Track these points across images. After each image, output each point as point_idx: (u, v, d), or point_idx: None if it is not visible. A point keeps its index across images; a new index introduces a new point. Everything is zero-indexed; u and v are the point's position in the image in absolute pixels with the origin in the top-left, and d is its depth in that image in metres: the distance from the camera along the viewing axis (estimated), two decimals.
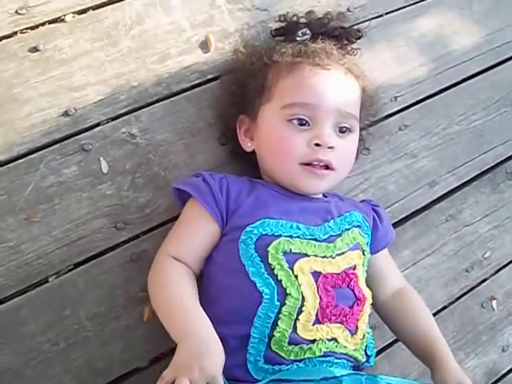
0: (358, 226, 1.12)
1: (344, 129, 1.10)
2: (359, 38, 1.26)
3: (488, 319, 1.41)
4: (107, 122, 1.16)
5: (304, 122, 1.07)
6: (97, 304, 1.09)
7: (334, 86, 1.10)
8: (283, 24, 1.24)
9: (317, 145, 1.06)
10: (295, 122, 1.07)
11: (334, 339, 1.00)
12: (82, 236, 1.10)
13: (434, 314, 1.34)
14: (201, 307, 0.99)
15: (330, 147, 1.06)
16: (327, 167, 1.08)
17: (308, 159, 1.07)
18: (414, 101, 1.43)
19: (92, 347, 1.08)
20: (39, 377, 1.04)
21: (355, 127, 1.13)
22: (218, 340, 0.92)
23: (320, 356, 0.98)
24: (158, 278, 1.05)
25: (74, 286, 1.08)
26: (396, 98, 1.41)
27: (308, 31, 1.18)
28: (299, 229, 1.04)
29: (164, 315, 1.00)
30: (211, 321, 0.96)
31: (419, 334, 1.14)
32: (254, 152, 1.16)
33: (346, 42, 1.23)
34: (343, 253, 1.06)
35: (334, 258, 1.04)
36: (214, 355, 0.89)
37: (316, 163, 1.07)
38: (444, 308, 1.37)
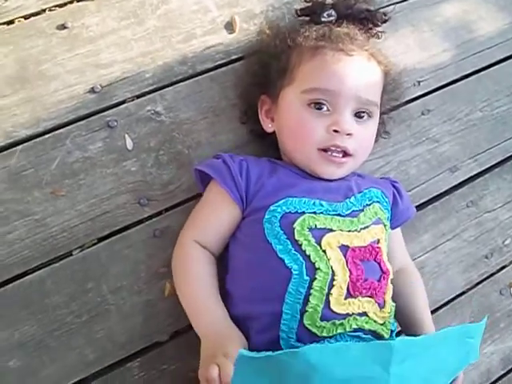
0: (378, 202, 1.12)
1: (363, 115, 1.10)
2: (385, 22, 1.24)
3: (506, 306, 1.41)
4: (132, 100, 1.18)
5: (323, 107, 1.07)
6: (119, 278, 1.11)
7: (355, 72, 1.09)
8: (309, 4, 1.24)
9: (335, 131, 1.06)
10: (315, 107, 1.07)
11: (365, 314, 1.00)
12: (106, 211, 1.12)
13: (452, 300, 1.35)
14: (220, 299, 1.03)
15: (348, 134, 1.07)
16: (345, 153, 1.08)
17: (325, 145, 1.07)
18: (437, 86, 1.43)
19: (114, 320, 1.09)
20: (62, 348, 1.06)
21: (375, 113, 1.13)
22: (237, 328, 0.98)
23: (350, 331, 0.98)
24: (182, 267, 1.07)
25: (98, 260, 1.10)
26: (419, 82, 1.41)
27: (334, 12, 1.17)
28: (322, 205, 1.05)
29: (187, 309, 1.04)
30: (242, 300, 0.98)
31: (410, 314, 1.14)
32: (274, 132, 1.17)
33: (371, 26, 1.22)
34: (367, 227, 1.06)
35: (359, 231, 1.05)
36: (234, 340, 0.94)
37: (334, 148, 1.07)
38: (462, 293, 1.37)
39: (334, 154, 1.08)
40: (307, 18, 1.23)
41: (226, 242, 1.10)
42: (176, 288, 1.07)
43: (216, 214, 1.09)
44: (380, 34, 1.24)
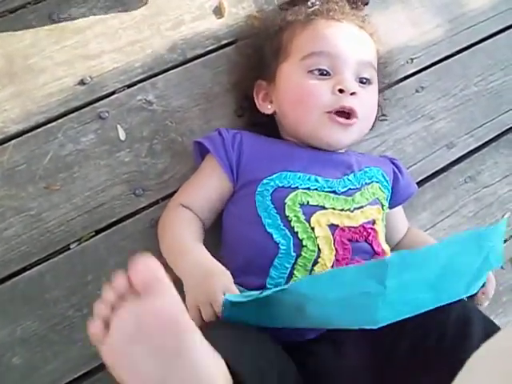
0: (378, 182, 1.11)
1: (364, 80, 1.10)
2: (367, 4, 1.26)
3: (508, 280, 1.39)
4: (123, 90, 1.17)
5: (325, 72, 1.07)
6: (118, 269, 1.10)
7: (349, 36, 1.10)
8: None
9: (340, 91, 1.05)
10: (316, 72, 1.07)
11: None
12: (102, 203, 1.11)
13: None
14: (202, 243, 1.02)
15: (352, 93, 1.06)
16: (350, 115, 1.07)
17: (332, 107, 1.05)
18: (430, 62, 1.42)
19: None
20: (65, 341, 1.06)
21: (374, 78, 1.13)
22: (220, 265, 0.96)
23: None
24: (164, 222, 1.09)
25: (96, 253, 1.10)
26: (412, 59, 1.39)
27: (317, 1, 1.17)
28: (317, 181, 1.04)
29: (170, 253, 1.03)
30: (233, 273, 0.97)
31: None
32: (273, 117, 1.15)
33: (357, 6, 1.21)
34: (362, 207, 1.05)
35: (352, 211, 1.04)
36: (220, 273, 0.92)
37: (341, 110, 1.06)
38: None
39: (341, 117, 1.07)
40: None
41: (217, 212, 1.10)
42: (159, 241, 1.07)
43: (205, 181, 1.09)
44: (366, 16, 1.22)
